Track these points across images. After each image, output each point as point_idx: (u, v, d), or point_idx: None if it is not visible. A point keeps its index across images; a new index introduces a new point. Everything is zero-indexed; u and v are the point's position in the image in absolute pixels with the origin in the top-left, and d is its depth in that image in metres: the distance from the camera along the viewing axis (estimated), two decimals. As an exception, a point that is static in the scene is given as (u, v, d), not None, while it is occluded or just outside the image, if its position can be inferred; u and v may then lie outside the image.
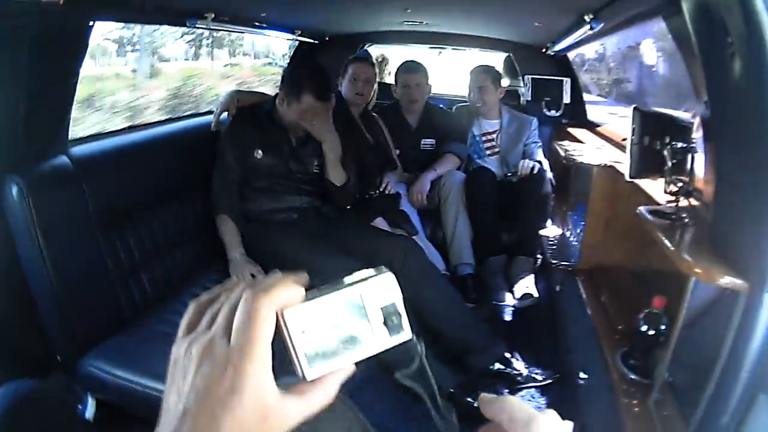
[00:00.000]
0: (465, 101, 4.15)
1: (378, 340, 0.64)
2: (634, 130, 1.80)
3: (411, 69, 3.92)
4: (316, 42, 4.44)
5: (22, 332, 2.10)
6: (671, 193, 1.79)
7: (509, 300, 3.35)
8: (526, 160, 3.69)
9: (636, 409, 1.66)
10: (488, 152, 3.94)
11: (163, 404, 0.57)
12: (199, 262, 2.73)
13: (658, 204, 1.95)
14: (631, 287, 2.35)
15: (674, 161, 1.75)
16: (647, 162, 1.80)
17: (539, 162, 3.71)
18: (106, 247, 2.23)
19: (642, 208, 1.83)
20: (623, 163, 2.50)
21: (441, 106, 4.15)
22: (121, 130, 2.81)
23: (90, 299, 2.14)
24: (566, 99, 4.23)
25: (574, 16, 2.69)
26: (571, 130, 4.09)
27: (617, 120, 3.88)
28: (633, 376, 1.81)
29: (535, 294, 3.32)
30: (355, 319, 0.63)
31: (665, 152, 1.75)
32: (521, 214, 3.56)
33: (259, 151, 2.81)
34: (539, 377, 2.59)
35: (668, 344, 1.58)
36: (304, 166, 2.89)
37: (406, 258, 2.64)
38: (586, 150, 3.09)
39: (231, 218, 2.76)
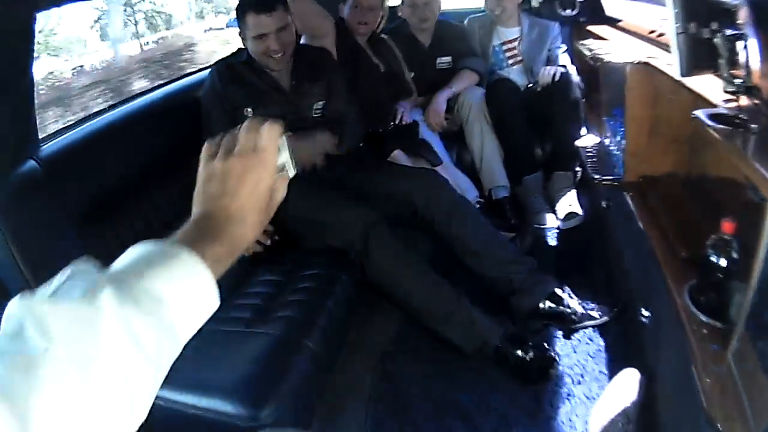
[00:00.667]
0: (479, 12, 3.81)
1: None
2: (677, 15, 1.43)
3: None
4: None
5: None
6: (729, 92, 1.45)
7: (552, 222, 3.12)
8: (547, 67, 3.36)
9: (711, 360, 1.37)
10: (511, 62, 3.64)
11: (203, 198, 0.83)
12: None
13: (712, 104, 1.62)
14: (688, 203, 2.06)
15: (728, 52, 1.41)
16: (697, 54, 1.45)
17: (563, 66, 3.38)
18: (96, 244, 2.05)
19: (699, 112, 1.50)
20: (658, 57, 2.23)
21: (452, 21, 3.81)
22: (90, 115, 2.54)
23: None
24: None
25: None
26: (591, 28, 3.72)
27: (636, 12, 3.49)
28: (705, 318, 1.49)
29: (580, 212, 3.08)
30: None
31: (716, 41, 1.41)
32: (552, 124, 3.29)
33: (248, 109, 2.53)
34: (596, 314, 2.36)
35: (746, 280, 1.25)
36: (303, 112, 2.64)
37: (430, 195, 2.45)
38: (613, 47, 2.76)
39: None
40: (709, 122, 1.44)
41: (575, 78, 3.32)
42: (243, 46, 2.64)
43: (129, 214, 2.27)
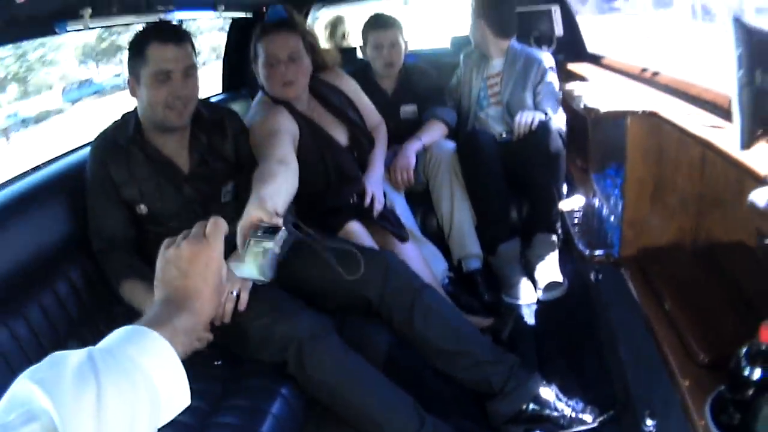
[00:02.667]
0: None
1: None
2: (741, 59, 1.01)
3: (382, 24, 3.28)
4: (249, 17, 3.72)
5: None
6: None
7: (532, 295, 2.78)
8: (524, 113, 3.00)
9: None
10: (492, 100, 3.29)
11: (162, 284, 1.01)
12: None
13: (752, 172, 1.23)
14: (701, 289, 1.69)
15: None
16: (761, 113, 1.05)
17: (544, 112, 3.04)
18: (4, 337, 1.82)
19: (757, 196, 1.11)
20: (661, 104, 1.89)
21: (419, 64, 3.52)
22: None
23: None
24: (558, 31, 3.54)
25: None
26: (571, 66, 3.40)
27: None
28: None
29: (563, 282, 2.77)
30: None
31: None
32: (531, 182, 2.95)
33: (142, 206, 2.13)
34: (588, 417, 2.03)
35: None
36: (210, 196, 2.21)
37: (384, 287, 2.10)
38: (599, 90, 2.40)
39: (134, 281, 2.02)
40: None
41: (556, 125, 2.98)
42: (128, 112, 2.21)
43: (34, 299, 1.97)
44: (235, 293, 1.96)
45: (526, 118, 2.96)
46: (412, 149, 3.03)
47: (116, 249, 2.10)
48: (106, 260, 2.10)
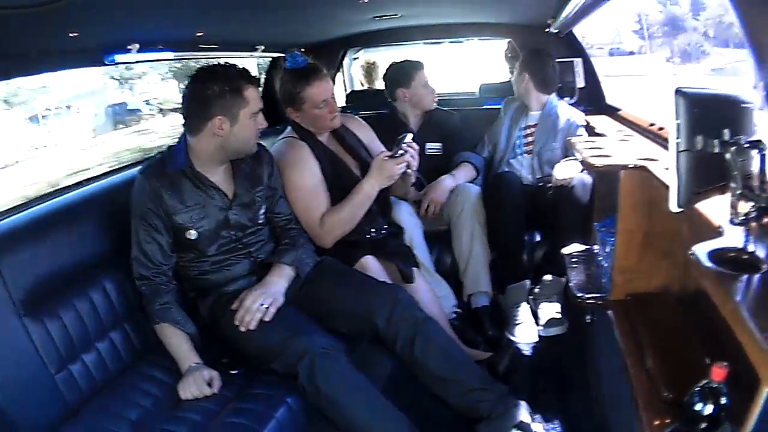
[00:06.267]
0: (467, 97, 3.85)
1: None
2: (679, 127, 1.15)
3: (421, 66, 3.49)
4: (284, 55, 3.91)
5: None
6: (737, 217, 1.19)
7: (533, 333, 2.88)
8: (567, 163, 3.12)
9: None
10: (525, 149, 3.46)
11: None
12: (146, 339, 2.35)
13: (716, 229, 1.36)
14: (677, 331, 1.81)
15: (741, 167, 1.14)
16: (701, 174, 1.18)
17: (582, 166, 3.09)
18: (36, 334, 1.98)
19: (698, 249, 1.23)
20: (657, 159, 1.98)
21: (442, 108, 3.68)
22: (36, 199, 2.46)
23: (29, 395, 1.93)
24: (580, 83, 3.69)
25: None
26: (588, 118, 3.51)
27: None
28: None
29: (564, 321, 2.86)
30: None
31: (728, 155, 1.14)
32: (555, 230, 3.05)
33: (192, 231, 2.28)
34: None
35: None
36: (247, 220, 2.41)
37: (392, 316, 2.29)
38: (609, 144, 2.52)
39: (169, 325, 2.22)
40: (708, 264, 1.17)
41: (589, 180, 3.05)
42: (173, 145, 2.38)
43: (72, 305, 2.13)
44: (265, 306, 2.20)
45: (569, 171, 3.06)
46: (447, 186, 3.21)
47: (158, 275, 2.25)
48: (147, 292, 2.24)
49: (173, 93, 20.56)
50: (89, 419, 1.97)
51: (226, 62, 2.28)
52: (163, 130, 18.03)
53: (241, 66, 2.26)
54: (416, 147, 2.58)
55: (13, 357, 1.90)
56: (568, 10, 2.87)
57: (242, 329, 2.18)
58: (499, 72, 4.65)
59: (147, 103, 21.46)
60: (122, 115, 20.98)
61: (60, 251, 2.20)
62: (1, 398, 1.82)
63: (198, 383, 2.08)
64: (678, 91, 1.16)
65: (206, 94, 2.19)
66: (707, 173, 1.19)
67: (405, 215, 3.02)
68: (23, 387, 1.90)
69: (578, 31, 3.80)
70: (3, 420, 1.82)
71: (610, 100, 3.80)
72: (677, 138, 1.15)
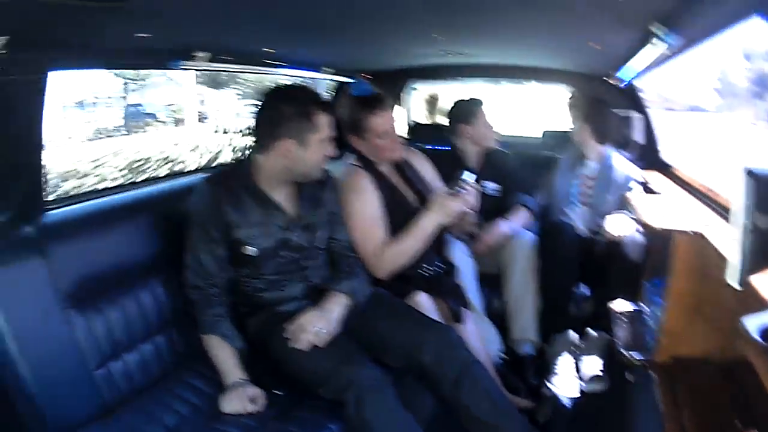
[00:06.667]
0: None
1: None
2: (747, 210, 1.15)
3: (482, 103, 3.52)
4: (351, 81, 4.02)
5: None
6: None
7: (575, 387, 2.84)
8: (619, 217, 3.09)
9: None
10: (581, 199, 3.47)
11: None
12: (191, 346, 2.34)
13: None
14: (717, 398, 1.80)
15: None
16: (764, 253, 1.19)
17: (636, 222, 3.08)
18: (79, 327, 2.00)
19: (748, 322, 1.24)
20: (710, 225, 2.01)
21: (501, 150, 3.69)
22: (101, 190, 2.58)
23: (65, 388, 1.92)
24: (638, 138, 3.71)
25: (638, 30, 2.18)
26: (642, 173, 3.51)
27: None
28: None
29: (605, 378, 2.80)
30: None
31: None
32: (606, 285, 3.01)
33: (251, 247, 2.28)
34: None
35: None
36: (307, 243, 2.40)
37: (441, 355, 2.26)
38: (664, 204, 2.53)
39: (217, 338, 2.22)
40: (757, 337, 1.17)
41: (641, 237, 3.01)
42: (242, 159, 2.41)
43: (121, 303, 2.17)
44: (323, 331, 2.19)
45: (621, 225, 3.03)
46: (502, 230, 3.23)
47: (211, 286, 2.25)
48: (198, 301, 2.25)
49: (196, 101, 20.32)
50: (124, 419, 1.98)
51: (301, 84, 2.33)
52: (157, 145, 17.49)
53: (316, 91, 2.29)
54: (477, 186, 2.58)
55: (52, 347, 1.91)
56: (633, 64, 2.88)
57: (292, 345, 2.17)
58: (556, 117, 4.67)
59: (166, 108, 21.11)
60: (135, 118, 20.81)
61: (113, 247, 2.22)
62: (35, 388, 1.82)
63: (242, 399, 2.06)
64: (748, 172, 1.17)
65: (277, 114, 2.21)
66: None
67: (459, 254, 3.02)
68: (58, 379, 1.90)
69: (641, 84, 3.80)
70: (33, 411, 1.83)
71: (670, 156, 3.78)
72: (744, 219, 1.16)
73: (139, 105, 21.26)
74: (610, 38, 2.56)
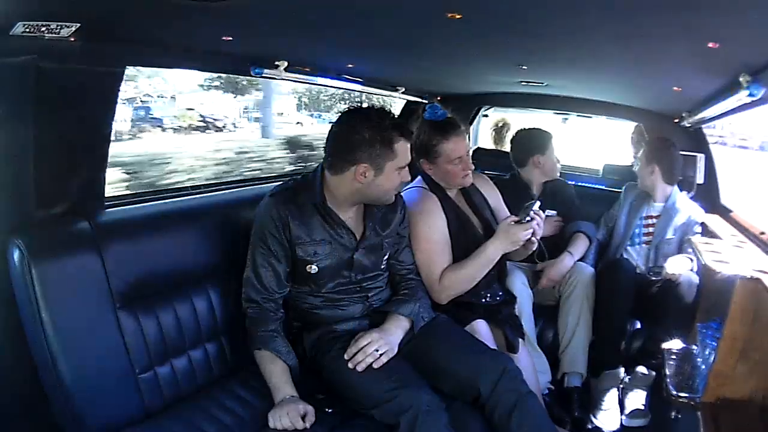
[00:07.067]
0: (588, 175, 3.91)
1: None
2: None
3: (552, 136, 3.54)
4: (425, 102, 4.06)
5: (33, 422, 1.90)
6: None
7: (616, 424, 2.90)
8: (679, 260, 3.13)
9: None
10: (644, 238, 3.48)
11: None
12: (240, 357, 2.35)
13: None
14: None
15: None
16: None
17: (692, 261, 3.13)
18: (128, 328, 1.99)
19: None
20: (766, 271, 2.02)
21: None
22: (158, 191, 2.61)
23: (107, 389, 1.91)
24: (700, 179, 3.72)
25: (725, 78, 2.21)
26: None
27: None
28: None
29: (648, 414, 2.85)
30: None
31: None
32: (658, 323, 3.05)
33: (314, 266, 2.28)
34: None
35: None
36: (370, 264, 2.41)
37: (498, 385, 2.22)
38: (725, 248, 2.56)
39: (270, 353, 2.20)
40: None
41: (696, 279, 3.06)
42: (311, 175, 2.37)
43: (172, 308, 2.17)
44: (380, 352, 2.19)
45: (681, 266, 3.08)
46: (567, 265, 3.23)
47: (267, 301, 2.24)
48: (254, 316, 2.24)
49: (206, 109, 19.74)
50: (165, 425, 1.96)
51: (382, 107, 2.30)
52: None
53: (396, 116, 2.28)
54: (543, 215, 2.60)
55: (98, 346, 1.90)
56: (708, 112, 2.91)
57: (351, 366, 2.15)
58: (615, 151, 4.69)
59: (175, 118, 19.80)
60: (138, 122, 20.19)
61: (171, 251, 2.22)
62: (74, 388, 1.81)
63: (292, 415, 2.02)
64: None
65: (355, 138, 2.18)
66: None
67: (518, 284, 3.04)
68: (101, 381, 1.88)
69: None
70: (70, 411, 1.82)
71: (727, 200, 3.77)
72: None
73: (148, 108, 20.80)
74: (694, 83, 2.59)
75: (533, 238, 2.57)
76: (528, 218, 2.52)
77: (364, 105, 2.42)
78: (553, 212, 3.51)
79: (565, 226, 3.47)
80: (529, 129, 3.62)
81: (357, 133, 2.18)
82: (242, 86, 19.72)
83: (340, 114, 2.30)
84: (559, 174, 3.59)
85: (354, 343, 2.21)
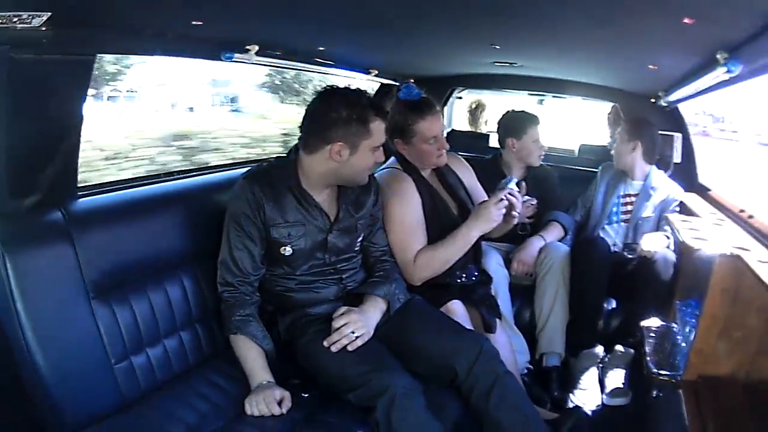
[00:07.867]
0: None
1: None
2: None
3: (537, 121, 3.49)
4: (396, 84, 4.04)
5: (12, 414, 1.87)
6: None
7: (597, 400, 2.91)
8: (654, 237, 3.15)
9: None
10: (622, 217, 3.48)
11: None
12: (215, 344, 2.37)
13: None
14: (741, 417, 1.83)
15: None
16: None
17: (668, 238, 3.14)
18: (103, 318, 1.97)
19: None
20: (749, 250, 2.04)
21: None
22: (131, 179, 2.54)
23: (84, 380, 1.88)
24: (677, 158, 3.73)
25: (702, 56, 2.19)
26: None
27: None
28: None
29: (628, 393, 2.86)
30: None
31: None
32: (633, 300, 3.06)
33: (288, 248, 2.26)
34: None
35: None
36: (344, 246, 2.39)
37: (475, 366, 2.21)
38: (704, 226, 2.56)
39: (245, 338, 2.18)
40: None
41: (672, 257, 3.06)
42: (285, 156, 2.39)
43: (147, 297, 2.15)
44: (355, 335, 2.16)
45: (656, 242, 3.09)
46: (536, 246, 3.25)
47: (243, 284, 2.22)
48: (229, 300, 2.21)
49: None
50: (143, 414, 1.95)
51: (358, 88, 2.27)
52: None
53: (372, 96, 2.26)
54: (520, 191, 2.59)
55: (73, 338, 1.88)
56: (684, 91, 2.91)
57: (326, 344, 2.15)
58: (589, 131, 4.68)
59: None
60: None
61: (144, 239, 2.19)
62: (52, 379, 1.79)
63: (268, 401, 2.01)
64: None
65: (331, 117, 2.17)
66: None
67: (494, 265, 3.05)
68: (77, 371, 1.87)
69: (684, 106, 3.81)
70: (49, 402, 1.80)
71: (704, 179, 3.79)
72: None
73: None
74: (670, 61, 2.57)
75: (513, 212, 2.55)
76: (504, 196, 2.50)
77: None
78: (533, 200, 3.39)
79: (542, 214, 3.44)
80: (515, 111, 3.60)
81: (333, 111, 2.18)
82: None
83: (315, 93, 2.30)
84: (537, 162, 3.53)
85: (334, 319, 2.20)
